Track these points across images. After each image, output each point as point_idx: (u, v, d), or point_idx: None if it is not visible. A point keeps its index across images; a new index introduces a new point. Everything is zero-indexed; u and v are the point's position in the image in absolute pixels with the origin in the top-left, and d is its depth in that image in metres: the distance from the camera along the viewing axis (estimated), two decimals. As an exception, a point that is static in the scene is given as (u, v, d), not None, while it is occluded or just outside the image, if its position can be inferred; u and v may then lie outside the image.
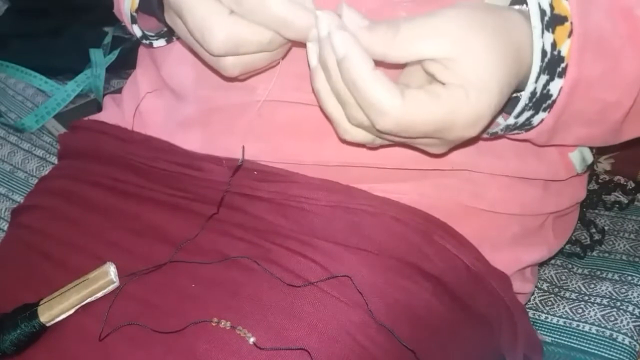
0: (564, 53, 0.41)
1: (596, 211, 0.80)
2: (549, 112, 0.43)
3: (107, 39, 1.07)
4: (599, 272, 0.70)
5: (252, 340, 0.43)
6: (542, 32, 0.40)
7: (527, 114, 0.43)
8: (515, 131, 0.46)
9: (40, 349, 0.47)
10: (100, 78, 1.01)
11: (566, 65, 0.41)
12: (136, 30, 0.53)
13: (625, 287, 0.67)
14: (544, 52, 0.40)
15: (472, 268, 0.50)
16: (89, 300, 0.47)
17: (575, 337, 0.64)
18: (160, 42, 0.55)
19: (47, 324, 0.47)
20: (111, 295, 0.47)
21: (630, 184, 0.81)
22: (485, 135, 0.46)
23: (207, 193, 0.51)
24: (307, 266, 0.46)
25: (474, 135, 0.40)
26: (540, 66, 0.40)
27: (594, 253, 0.73)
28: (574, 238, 0.74)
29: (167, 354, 0.44)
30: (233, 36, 0.41)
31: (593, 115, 0.45)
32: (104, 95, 0.97)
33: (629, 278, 0.68)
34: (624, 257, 0.72)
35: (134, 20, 0.53)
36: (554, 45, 0.41)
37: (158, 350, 0.44)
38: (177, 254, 0.49)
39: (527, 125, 0.45)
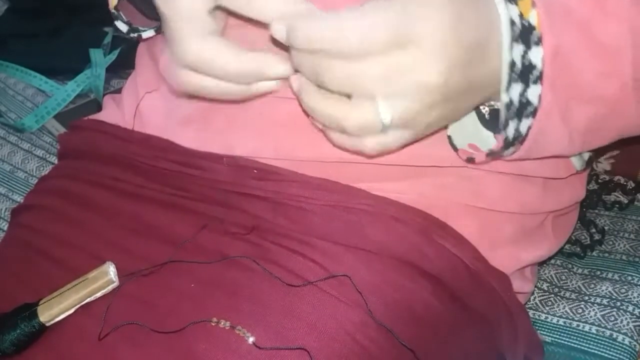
0: (534, 23, 0.41)
1: (596, 211, 0.80)
2: (541, 83, 0.42)
3: (107, 39, 1.07)
4: (599, 272, 0.70)
5: (251, 339, 0.43)
6: (506, 4, 0.41)
7: (517, 88, 0.42)
8: (524, 120, 0.44)
9: (40, 348, 0.47)
10: (100, 78, 1.01)
11: (541, 35, 0.41)
12: (121, 26, 0.55)
13: (625, 287, 0.66)
14: (512, 22, 0.41)
15: (472, 267, 0.50)
16: (88, 300, 0.47)
17: (575, 337, 0.64)
18: (149, 33, 0.56)
19: (47, 324, 0.47)
20: (110, 295, 0.48)
21: (630, 184, 0.81)
22: (498, 138, 0.44)
23: (208, 192, 0.51)
24: (306, 266, 0.46)
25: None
26: (512, 35, 0.41)
27: (594, 253, 0.73)
28: (574, 238, 0.74)
29: (167, 353, 0.44)
30: (205, 50, 0.43)
31: (588, 89, 0.44)
32: (104, 95, 0.97)
33: (629, 278, 0.68)
34: (624, 257, 0.72)
35: (115, 17, 0.54)
36: (521, 15, 0.41)
37: (157, 350, 0.44)
38: (176, 254, 0.49)
39: (529, 106, 0.43)
